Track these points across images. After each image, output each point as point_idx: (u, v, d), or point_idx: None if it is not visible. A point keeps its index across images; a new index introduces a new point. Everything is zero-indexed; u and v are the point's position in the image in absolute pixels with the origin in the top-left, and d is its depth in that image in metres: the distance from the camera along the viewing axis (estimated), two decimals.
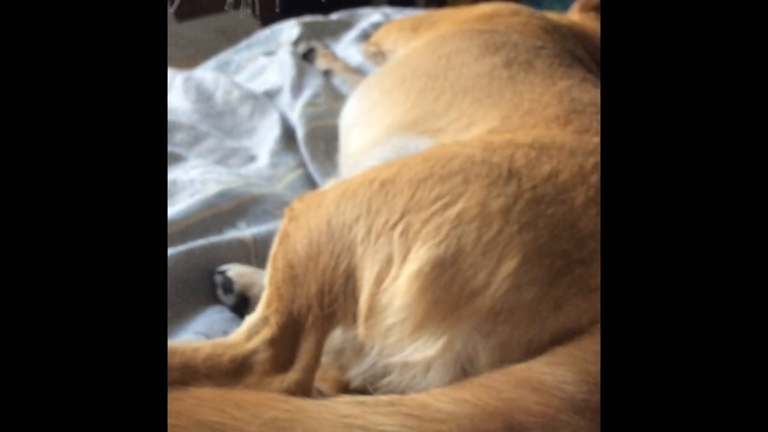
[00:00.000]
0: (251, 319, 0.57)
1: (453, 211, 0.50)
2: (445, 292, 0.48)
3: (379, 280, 0.51)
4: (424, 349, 0.49)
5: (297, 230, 0.55)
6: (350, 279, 0.52)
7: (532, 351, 0.49)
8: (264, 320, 0.55)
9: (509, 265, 0.48)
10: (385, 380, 0.53)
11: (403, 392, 0.51)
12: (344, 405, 0.41)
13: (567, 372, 0.44)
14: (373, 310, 0.51)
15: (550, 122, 0.65)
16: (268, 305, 0.56)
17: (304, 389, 0.53)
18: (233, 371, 0.53)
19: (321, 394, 0.58)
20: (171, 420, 0.38)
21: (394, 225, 0.51)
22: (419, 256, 0.49)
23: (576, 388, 0.43)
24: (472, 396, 0.42)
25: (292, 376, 0.53)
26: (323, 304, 0.53)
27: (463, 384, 0.44)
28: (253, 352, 0.54)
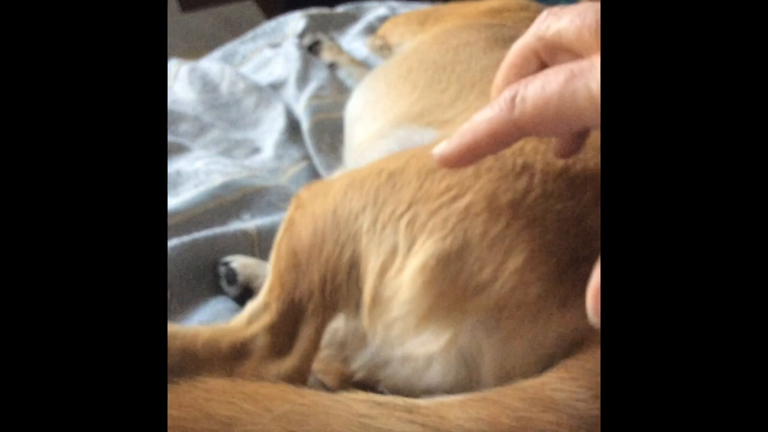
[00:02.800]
0: (253, 305, 0.56)
1: (461, 204, 0.49)
2: (450, 286, 0.48)
3: (384, 270, 0.50)
4: (428, 344, 0.49)
5: (302, 218, 0.55)
6: (354, 268, 0.52)
7: (537, 347, 0.48)
8: (265, 306, 0.55)
9: (516, 260, 0.47)
10: (386, 372, 0.52)
11: (404, 385, 0.51)
12: (360, 403, 0.41)
13: (580, 388, 0.43)
14: (376, 300, 0.51)
15: None
16: (270, 291, 0.56)
17: (300, 376, 0.52)
18: (232, 356, 0.53)
19: (324, 387, 0.58)
20: (180, 413, 0.38)
21: (401, 215, 0.50)
22: (425, 249, 0.48)
23: (589, 405, 0.42)
24: (487, 413, 0.41)
25: (290, 362, 0.52)
26: (325, 292, 0.53)
27: (477, 399, 0.44)
28: (253, 337, 0.54)
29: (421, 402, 0.45)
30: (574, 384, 0.44)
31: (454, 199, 0.50)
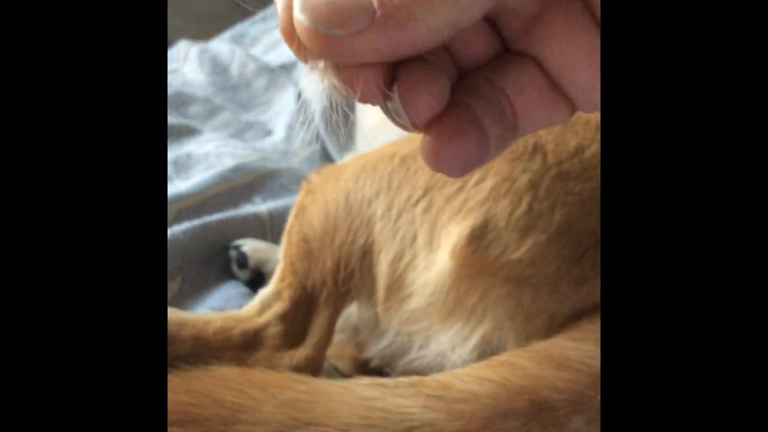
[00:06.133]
0: (264, 293, 0.56)
1: (483, 187, 0.48)
2: (477, 268, 0.47)
3: (400, 259, 0.49)
4: (455, 337, 0.48)
5: (314, 204, 0.54)
6: (367, 255, 0.51)
7: (553, 323, 0.48)
8: (277, 294, 0.55)
9: (538, 239, 0.47)
10: (403, 360, 0.52)
11: (423, 372, 0.50)
12: (364, 387, 0.40)
13: (592, 347, 0.42)
14: (392, 290, 0.50)
15: None
16: (282, 279, 0.55)
17: (314, 366, 0.52)
18: (244, 345, 0.52)
19: (337, 372, 0.58)
20: (189, 398, 0.38)
21: (416, 202, 0.49)
22: (449, 235, 0.48)
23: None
24: (496, 375, 0.41)
25: (303, 352, 0.52)
26: (338, 280, 0.52)
27: (487, 363, 0.43)
28: (265, 326, 0.53)
29: (427, 377, 0.44)
30: (586, 343, 0.44)
31: (477, 182, 0.49)
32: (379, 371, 0.54)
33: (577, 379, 0.40)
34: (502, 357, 0.44)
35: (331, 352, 0.57)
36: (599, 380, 0.40)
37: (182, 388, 0.39)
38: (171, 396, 0.38)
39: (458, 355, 0.49)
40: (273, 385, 0.39)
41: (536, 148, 0.51)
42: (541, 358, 0.42)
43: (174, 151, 0.93)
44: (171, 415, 0.36)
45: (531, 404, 0.39)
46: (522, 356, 0.43)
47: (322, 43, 0.20)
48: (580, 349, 0.42)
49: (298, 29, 0.20)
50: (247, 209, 0.82)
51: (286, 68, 1.19)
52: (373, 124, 0.84)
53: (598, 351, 0.42)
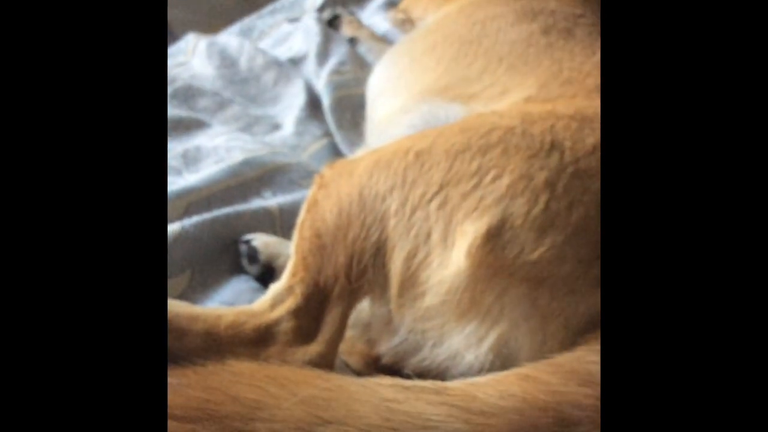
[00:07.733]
0: (276, 288, 0.55)
1: (500, 184, 0.48)
2: (493, 267, 0.47)
3: (414, 256, 0.49)
4: (470, 337, 0.48)
5: (326, 198, 0.54)
6: (380, 251, 0.51)
7: (569, 325, 0.48)
8: (289, 290, 0.54)
9: (555, 238, 0.47)
10: (416, 358, 0.51)
11: (436, 370, 0.50)
12: (386, 388, 0.40)
13: None
14: (405, 287, 0.50)
15: (591, 92, 0.63)
16: (294, 274, 0.54)
17: (326, 362, 0.52)
18: (256, 340, 0.52)
19: (348, 368, 0.57)
20: (206, 395, 0.38)
21: (431, 198, 0.49)
22: (465, 234, 0.47)
23: None
24: (520, 389, 0.40)
25: (315, 348, 0.52)
26: (351, 276, 0.52)
27: (509, 376, 0.43)
28: (277, 321, 0.53)
29: (450, 384, 0.44)
30: None
31: (492, 180, 0.49)
32: (391, 368, 0.53)
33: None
34: (525, 370, 0.43)
35: (341, 347, 0.57)
36: None
37: (199, 385, 0.39)
38: (188, 392, 0.37)
39: (474, 355, 0.48)
40: (292, 382, 0.39)
41: (553, 146, 0.50)
42: (565, 372, 0.42)
43: (183, 144, 0.92)
44: (188, 412, 0.36)
45: (555, 421, 0.39)
46: (545, 370, 0.43)
47: None
48: None
49: None
50: (256, 203, 0.81)
51: (295, 62, 1.18)
52: (383, 117, 0.84)
53: None
